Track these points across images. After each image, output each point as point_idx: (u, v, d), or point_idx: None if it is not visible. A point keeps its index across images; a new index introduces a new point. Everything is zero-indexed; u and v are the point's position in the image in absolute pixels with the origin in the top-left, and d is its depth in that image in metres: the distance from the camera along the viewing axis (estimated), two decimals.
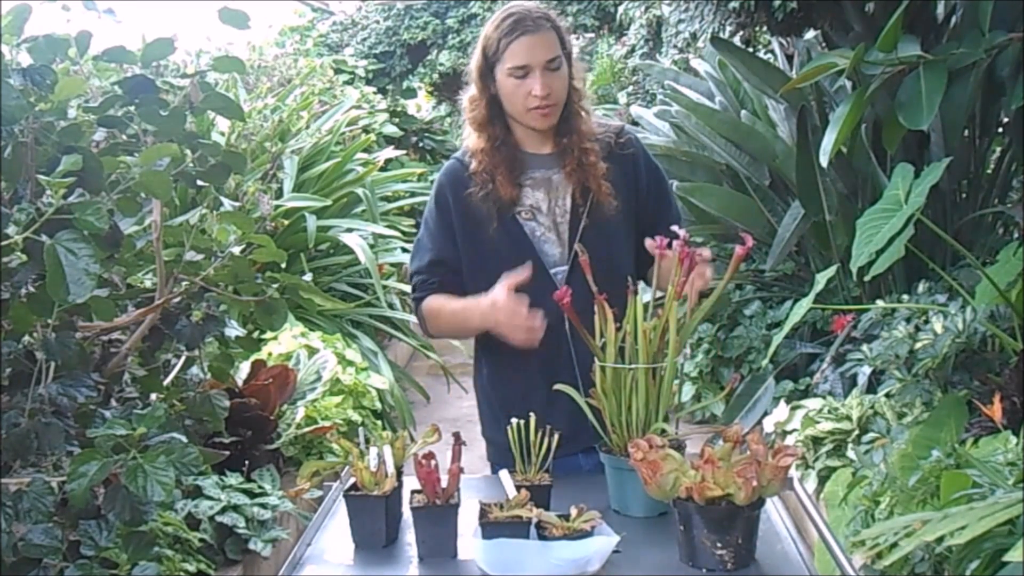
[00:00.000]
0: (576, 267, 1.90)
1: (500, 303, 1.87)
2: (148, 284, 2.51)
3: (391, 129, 8.34)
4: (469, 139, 2.07)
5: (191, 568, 2.33)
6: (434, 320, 2.07)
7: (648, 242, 1.82)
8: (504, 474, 1.65)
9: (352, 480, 1.65)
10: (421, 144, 9.89)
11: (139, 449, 1.73)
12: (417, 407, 4.66)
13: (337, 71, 8.52)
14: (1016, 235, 3.93)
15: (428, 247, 2.07)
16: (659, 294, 1.82)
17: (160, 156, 1.88)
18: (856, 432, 3.01)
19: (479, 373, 2.15)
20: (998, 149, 4.21)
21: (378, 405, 3.82)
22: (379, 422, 3.87)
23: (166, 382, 2.24)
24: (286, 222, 4.62)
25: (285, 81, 6.79)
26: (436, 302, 2.04)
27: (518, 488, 1.59)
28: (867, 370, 3.29)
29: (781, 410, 3.40)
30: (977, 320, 2.77)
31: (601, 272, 1.79)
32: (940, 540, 1.54)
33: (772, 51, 5.75)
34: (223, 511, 2.58)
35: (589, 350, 1.77)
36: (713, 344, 4.81)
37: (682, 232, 1.73)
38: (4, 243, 1.63)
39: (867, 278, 2.71)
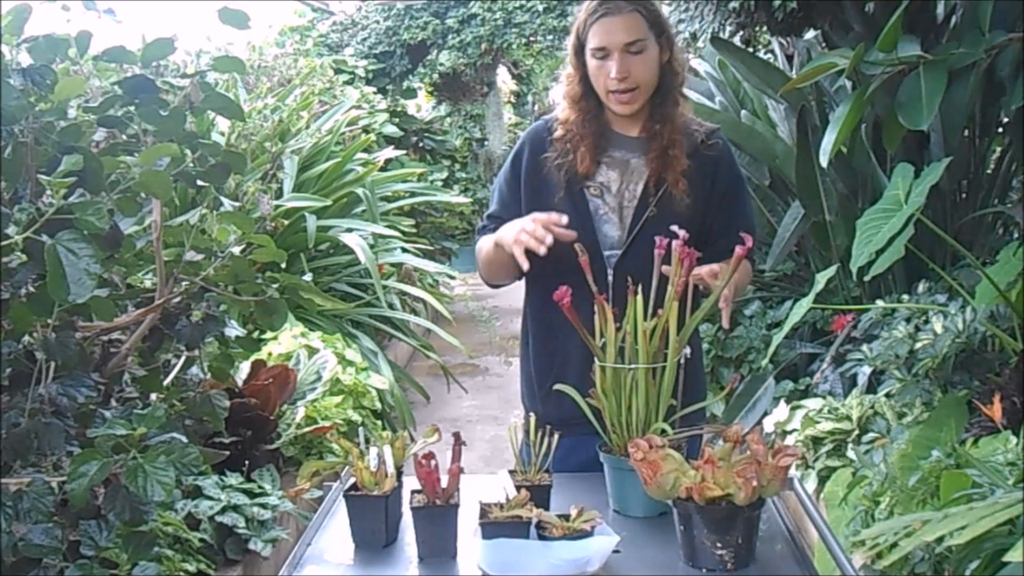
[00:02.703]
0: (630, 253, 1.91)
1: (536, 215, 1.87)
2: (148, 284, 2.51)
3: (391, 129, 8.33)
4: (562, 111, 2.07)
5: (191, 568, 2.33)
6: (481, 253, 2.10)
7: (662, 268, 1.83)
8: (504, 474, 1.65)
9: (352, 480, 1.65)
10: (421, 144, 9.89)
11: (139, 449, 1.73)
12: (417, 407, 4.67)
13: (337, 71, 8.51)
14: (1016, 235, 3.93)
15: (495, 200, 2.13)
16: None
17: (160, 156, 1.89)
18: (856, 432, 3.01)
19: (525, 344, 2.16)
20: (998, 149, 4.21)
21: (378, 405, 3.82)
22: (379, 422, 3.87)
23: (166, 382, 2.23)
24: (286, 222, 4.62)
25: (285, 81, 6.78)
26: (483, 239, 2.09)
27: (518, 488, 1.59)
28: (867, 370, 3.28)
29: (781, 410, 3.40)
30: (977, 320, 2.77)
31: (657, 263, 1.77)
32: (940, 540, 1.54)
33: (772, 51, 5.74)
34: (223, 511, 2.58)
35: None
36: (713, 344, 4.81)
37: (682, 232, 1.73)
38: (4, 243, 1.63)
39: (867, 278, 2.71)
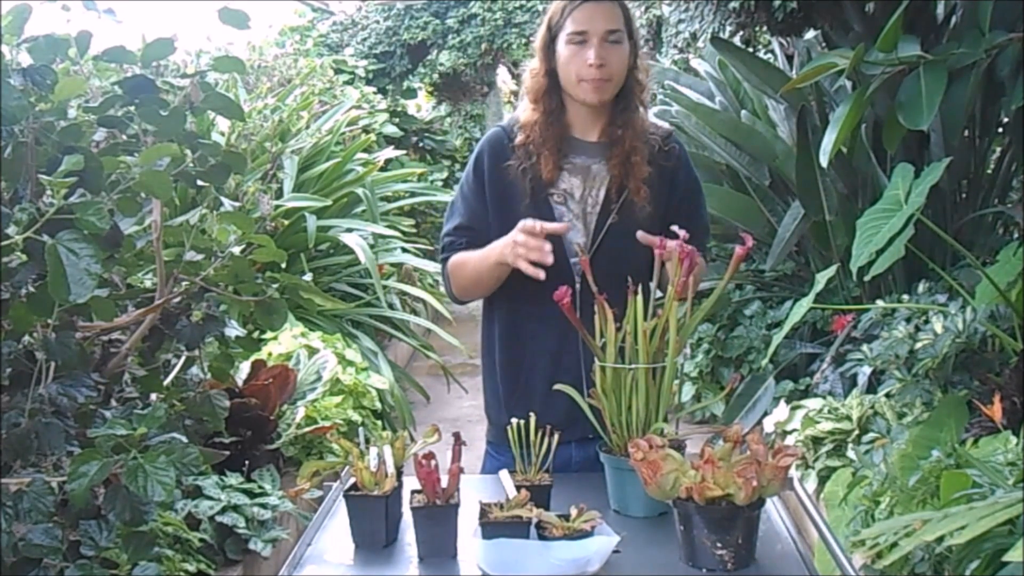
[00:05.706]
0: (595, 260, 1.88)
1: (527, 224, 1.84)
2: (148, 284, 2.52)
3: (391, 129, 8.33)
4: (524, 112, 2.06)
5: (191, 568, 2.33)
6: (459, 271, 2.05)
7: (641, 234, 1.84)
8: (504, 474, 1.65)
9: (352, 480, 1.64)
10: (421, 144, 9.89)
11: (139, 449, 1.73)
12: (417, 407, 4.67)
13: (337, 71, 8.52)
14: (1016, 235, 3.93)
15: (460, 211, 2.07)
16: (659, 295, 1.81)
17: (160, 156, 1.89)
18: (856, 432, 3.01)
19: (488, 351, 2.12)
20: (998, 149, 4.22)
21: (378, 405, 3.82)
22: (379, 422, 3.87)
23: (166, 382, 2.23)
24: (286, 222, 4.62)
25: (285, 81, 6.78)
26: (461, 256, 2.05)
27: (518, 488, 1.59)
28: (867, 370, 3.29)
29: (781, 410, 3.40)
30: (977, 320, 2.77)
31: (621, 272, 1.76)
32: (940, 540, 1.54)
33: (772, 51, 5.75)
34: (223, 511, 2.58)
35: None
36: (713, 344, 4.81)
37: (682, 232, 1.73)
38: (4, 243, 1.64)
39: (867, 278, 2.71)
